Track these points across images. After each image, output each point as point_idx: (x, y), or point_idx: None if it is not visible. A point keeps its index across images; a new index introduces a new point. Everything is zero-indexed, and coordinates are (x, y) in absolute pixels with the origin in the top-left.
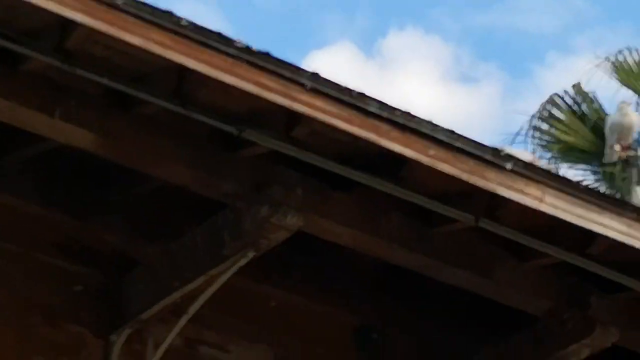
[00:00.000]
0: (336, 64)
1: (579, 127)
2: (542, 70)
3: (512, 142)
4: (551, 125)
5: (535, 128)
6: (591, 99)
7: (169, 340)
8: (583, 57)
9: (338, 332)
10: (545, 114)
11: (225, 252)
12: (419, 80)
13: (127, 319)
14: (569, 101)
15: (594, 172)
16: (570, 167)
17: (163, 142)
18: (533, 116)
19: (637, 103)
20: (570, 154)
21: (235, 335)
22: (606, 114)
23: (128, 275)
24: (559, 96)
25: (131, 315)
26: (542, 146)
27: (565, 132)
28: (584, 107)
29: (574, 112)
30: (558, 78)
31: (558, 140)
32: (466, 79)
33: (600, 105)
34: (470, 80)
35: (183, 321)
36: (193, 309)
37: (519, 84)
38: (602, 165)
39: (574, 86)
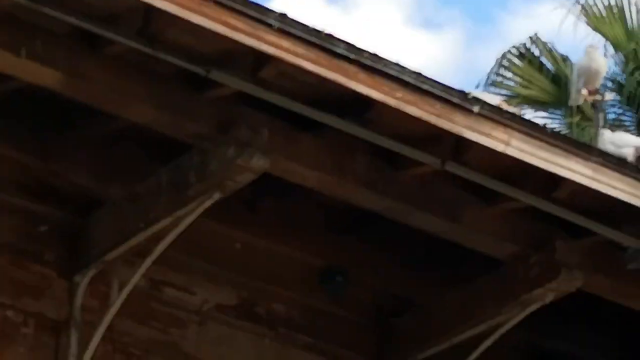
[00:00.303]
0: (298, 7)
1: (537, 79)
2: (506, 16)
3: None
4: (509, 79)
5: (493, 83)
6: (549, 49)
7: (133, 281)
8: (548, 2)
9: (303, 274)
10: (503, 68)
11: (191, 193)
12: (382, 26)
13: (91, 259)
14: (527, 53)
15: (555, 121)
16: (533, 116)
17: (130, 82)
18: (490, 71)
19: (605, 48)
20: (530, 106)
21: (200, 277)
22: (567, 62)
23: (93, 216)
24: (516, 48)
25: (96, 256)
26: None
27: (524, 86)
28: (542, 58)
29: (531, 63)
30: (522, 24)
31: (517, 94)
32: (429, 25)
33: (559, 55)
34: (433, 25)
35: (148, 262)
36: (158, 251)
37: (482, 31)
38: (564, 115)
39: (530, 38)
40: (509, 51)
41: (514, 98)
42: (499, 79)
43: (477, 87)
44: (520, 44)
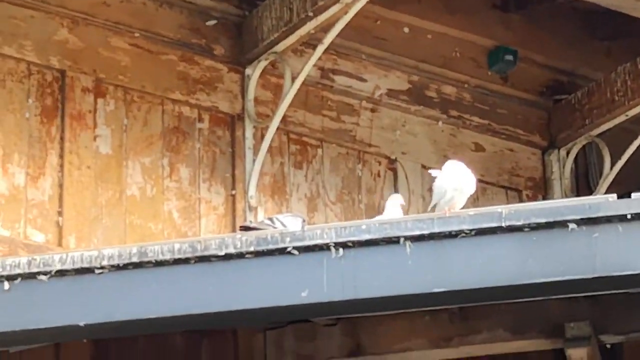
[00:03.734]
0: None
1: None
2: None
3: None
4: None
5: None
6: None
7: (305, 71)
8: None
9: (472, 53)
10: None
11: None
12: None
13: (261, 51)
14: None
15: None
16: None
17: None
18: None
19: None
20: None
21: (370, 64)
22: None
23: (261, 8)
24: None
25: (265, 48)
26: None
27: None
28: None
29: None
30: None
31: None
32: None
33: None
34: None
35: (319, 51)
36: (328, 39)
37: None
38: None
39: None
40: None
41: None
42: None
43: None
44: None
